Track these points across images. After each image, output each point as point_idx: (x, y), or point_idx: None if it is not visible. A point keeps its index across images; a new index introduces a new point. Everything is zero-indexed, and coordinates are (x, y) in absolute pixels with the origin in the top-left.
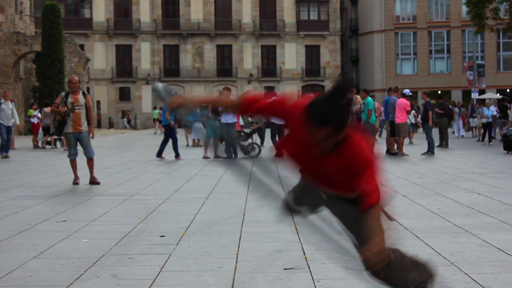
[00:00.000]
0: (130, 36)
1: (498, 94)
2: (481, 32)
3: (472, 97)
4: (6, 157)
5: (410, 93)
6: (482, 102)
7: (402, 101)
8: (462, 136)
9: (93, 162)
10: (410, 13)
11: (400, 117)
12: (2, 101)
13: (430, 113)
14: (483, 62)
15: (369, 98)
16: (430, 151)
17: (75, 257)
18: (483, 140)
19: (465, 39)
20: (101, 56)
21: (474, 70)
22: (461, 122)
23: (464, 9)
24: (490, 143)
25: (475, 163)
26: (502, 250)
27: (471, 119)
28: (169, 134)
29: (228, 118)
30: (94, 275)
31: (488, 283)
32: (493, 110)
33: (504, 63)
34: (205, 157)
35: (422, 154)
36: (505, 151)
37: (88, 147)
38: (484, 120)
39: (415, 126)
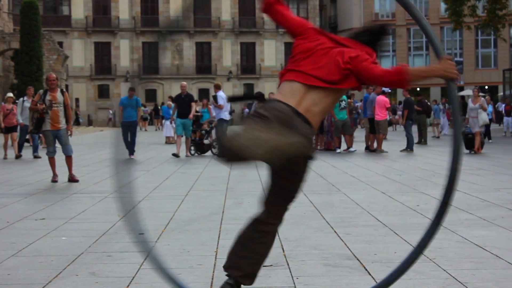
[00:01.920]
0: (109, 33)
1: None
2: (458, 29)
3: None
4: (37, 157)
5: (389, 90)
6: (462, 98)
7: (382, 98)
8: (445, 134)
9: (71, 160)
10: (389, 10)
11: (380, 114)
12: (25, 98)
13: (406, 112)
14: (461, 59)
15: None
16: (409, 148)
17: (54, 255)
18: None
19: (444, 36)
20: (79, 53)
21: None
22: (446, 120)
23: (443, 6)
24: (490, 140)
25: None
26: (480, 247)
27: None
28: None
29: (223, 115)
30: (73, 273)
31: (466, 279)
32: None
33: (482, 60)
34: (174, 154)
35: (401, 151)
36: (467, 151)
37: (66, 145)
38: None
39: (389, 123)
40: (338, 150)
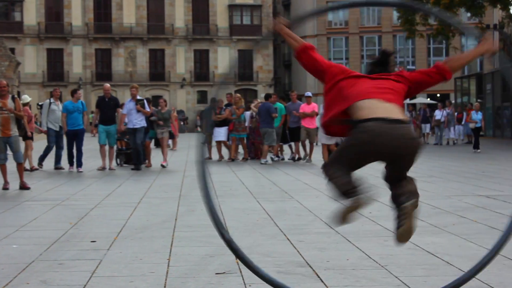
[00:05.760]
0: (62, 40)
1: (428, 99)
2: (411, 37)
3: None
4: (60, 168)
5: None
6: (413, 106)
7: (310, 106)
8: None
9: (22, 167)
10: (342, 18)
11: (313, 123)
12: (52, 100)
13: None
14: (413, 67)
15: (280, 104)
16: None
17: (4, 263)
18: (475, 147)
19: (396, 44)
20: (32, 60)
21: None
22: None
23: (395, 14)
24: (478, 150)
25: None
26: (431, 253)
27: (423, 125)
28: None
29: (135, 123)
30: (23, 281)
31: (418, 286)
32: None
33: None
34: (99, 169)
35: None
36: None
37: (17, 152)
38: (472, 125)
39: None
40: (276, 158)
